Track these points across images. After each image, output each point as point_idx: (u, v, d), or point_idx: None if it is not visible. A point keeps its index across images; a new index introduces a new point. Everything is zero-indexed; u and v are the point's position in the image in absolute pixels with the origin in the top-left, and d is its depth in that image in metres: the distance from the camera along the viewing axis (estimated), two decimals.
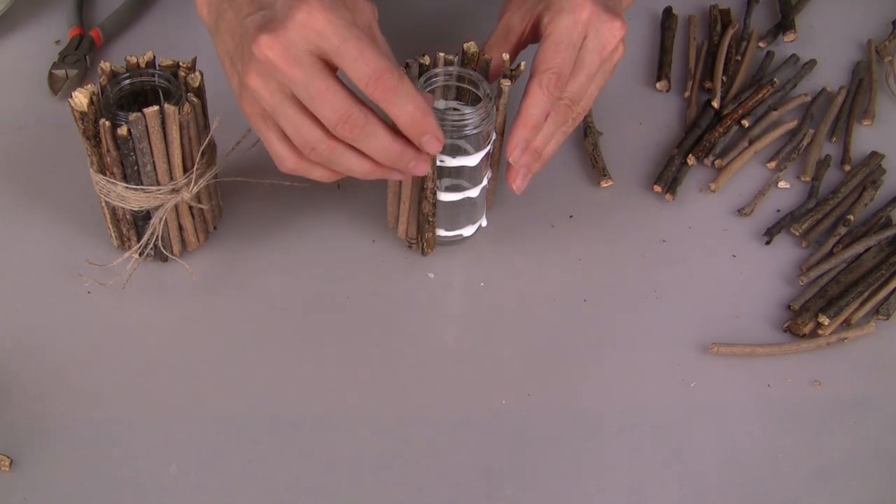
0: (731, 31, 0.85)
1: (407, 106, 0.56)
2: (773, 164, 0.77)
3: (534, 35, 0.66)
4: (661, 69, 0.84)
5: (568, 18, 0.62)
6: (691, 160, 0.76)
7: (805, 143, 0.78)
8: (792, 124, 0.79)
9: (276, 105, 0.56)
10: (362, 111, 0.56)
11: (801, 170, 0.77)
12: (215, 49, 0.60)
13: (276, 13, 0.54)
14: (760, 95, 0.80)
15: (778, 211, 0.74)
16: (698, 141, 0.77)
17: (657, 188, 0.74)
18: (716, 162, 0.76)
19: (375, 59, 0.54)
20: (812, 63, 0.85)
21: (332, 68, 0.56)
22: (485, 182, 0.67)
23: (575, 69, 0.63)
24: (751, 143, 0.77)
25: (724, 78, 0.82)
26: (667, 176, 0.75)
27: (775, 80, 0.81)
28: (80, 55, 0.79)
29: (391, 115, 0.56)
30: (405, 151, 0.58)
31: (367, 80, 0.54)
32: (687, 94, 0.82)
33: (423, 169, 0.60)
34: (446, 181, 0.65)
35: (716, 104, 0.79)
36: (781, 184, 0.76)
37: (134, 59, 0.62)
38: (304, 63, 0.54)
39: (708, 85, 0.82)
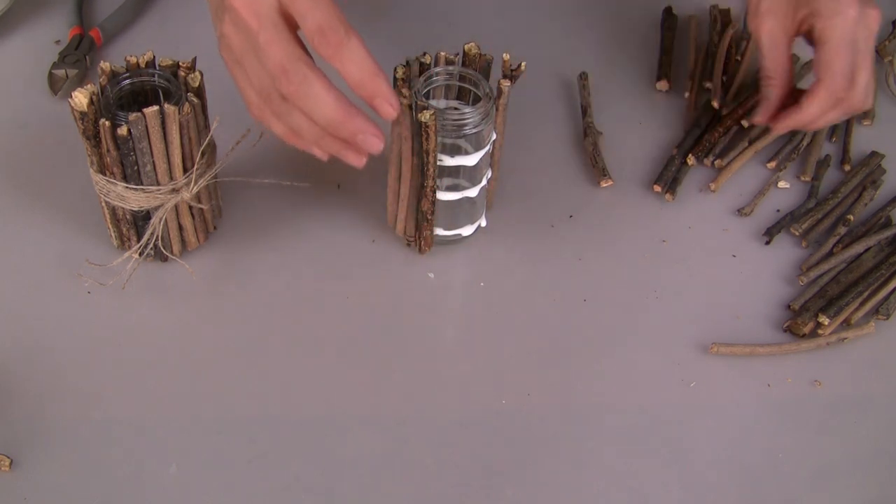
0: (731, 31, 0.85)
1: (352, 64, 0.56)
2: (773, 164, 0.77)
3: (797, 32, 0.71)
4: (661, 69, 0.84)
5: (841, 20, 0.67)
6: (691, 160, 0.76)
7: (805, 143, 0.78)
8: None
9: (242, 52, 0.58)
10: (303, 70, 0.57)
11: (800, 170, 0.77)
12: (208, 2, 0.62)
13: None
14: (760, 95, 0.79)
15: (778, 211, 0.74)
16: (698, 141, 0.77)
17: (657, 188, 0.74)
18: (716, 162, 0.76)
19: (325, 14, 0.56)
20: (812, 63, 0.85)
21: (293, 26, 0.57)
22: (484, 182, 0.67)
23: (860, 61, 0.68)
24: (751, 143, 0.77)
25: (724, 78, 0.82)
26: (667, 176, 0.75)
27: None
28: (80, 55, 0.79)
29: (339, 73, 0.57)
30: (350, 120, 0.58)
31: (312, 33, 0.56)
32: (687, 94, 0.82)
33: (376, 145, 0.59)
34: (446, 180, 0.65)
35: (716, 104, 0.79)
36: (781, 184, 0.76)
37: (134, 59, 0.62)
38: (262, 15, 0.56)
39: (708, 85, 0.82)
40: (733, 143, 0.78)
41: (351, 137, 0.59)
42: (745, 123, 0.78)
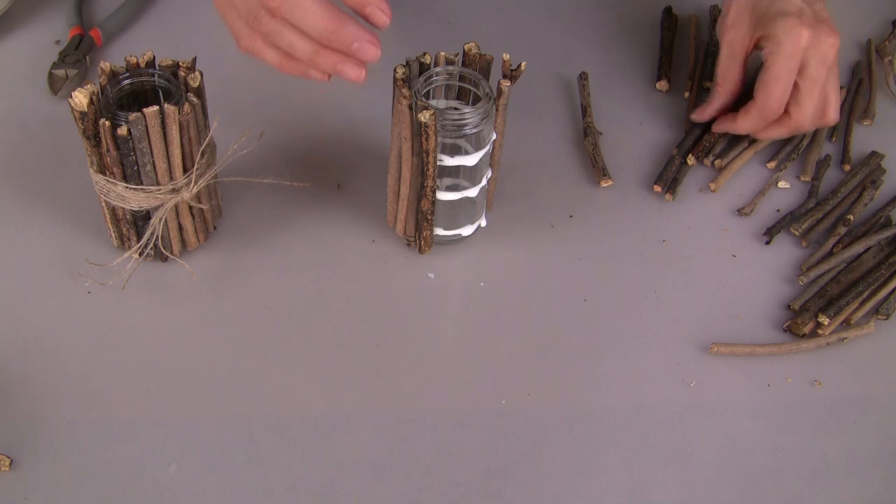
0: None
1: None
2: (772, 164, 0.77)
3: (753, 48, 0.74)
4: (661, 69, 0.84)
5: (788, 48, 0.69)
6: (691, 160, 0.76)
7: (805, 143, 0.78)
8: None
9: None
10: None
11: (800, 170, 0.77)
12: None
13: None
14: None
15: (778, 211, 0.74)
16: (698, 141, 0.77)
17: (657, 188, 0.74)
18: (716, 162, 0.76)
19: None
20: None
21: None
22: (484, 182, 0.67)
23: (806, 86, 0.70)
24: (751, 143, 0.77)
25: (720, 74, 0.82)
26: (667, 176, 0.75)
27: None
28: (80, 55, 0.79)
29: None
30: (342, 28, 0.57)
31: None
32: (687, 94, 0.82)
33: (373, 52, 0.59)
34: (446, 180, 0.65)
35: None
36: (781, 184, 0.76)
37: (134, 59, 0.62)
38: None
39: (708, 85, 0.82)
40: (733, 143, 0.78)
41: (346, 47, 0.58)
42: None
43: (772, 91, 0.71)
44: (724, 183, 0.76)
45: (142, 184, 0.62)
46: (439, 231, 0.69)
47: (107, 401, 0.61)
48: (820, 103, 0.72)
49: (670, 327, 0.67)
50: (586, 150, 0.77)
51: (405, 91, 0.61)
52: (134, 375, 0.62)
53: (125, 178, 0.62)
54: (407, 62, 0.64)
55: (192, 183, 0.63)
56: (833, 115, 0.73)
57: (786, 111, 0.72)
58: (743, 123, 0.74)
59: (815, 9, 0.72)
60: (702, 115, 0.77)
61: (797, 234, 0.72)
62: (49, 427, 0.59)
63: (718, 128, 0.76)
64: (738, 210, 0.74)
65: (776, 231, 0.72)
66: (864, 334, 0.67)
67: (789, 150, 0.78)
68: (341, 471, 0.59)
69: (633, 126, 0.80)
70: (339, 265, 0.69)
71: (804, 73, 0.70)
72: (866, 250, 0.71)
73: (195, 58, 0.64)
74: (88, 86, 0.59)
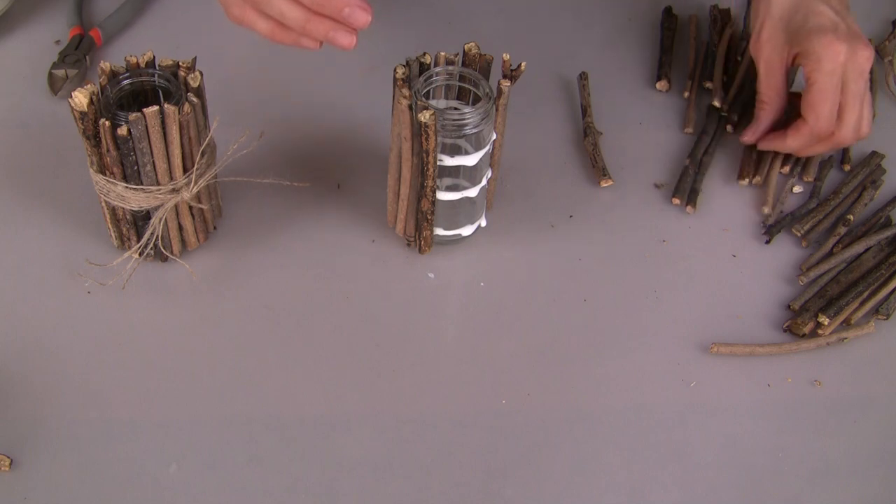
0: (730, 31, 0.85)
1: None
2: (786, 170, 0.76)
3: (791, 64, 0.74)
4: (661, 69, 0.84)
5: (828, 65, 0.70)
6: (744, 183, 0.75)
7: None
8: None
9: None
10: None
11: (803, 170, 0.77)
12: None
13: None
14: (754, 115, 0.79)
15: (780, 211, 0.74)
16: (708, 148, 0.77)
17: (676, 201, 0.74)
18: (755, 179, 0.76)
19: None
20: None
21: None
22: (484, 182, 0.67)
23: (848, 101, 0.71)
24: (776, 153, 0.77)
25: (725, 78, 0.82)
26: (683, 187, 0.74)
27: None
28: (80, 55, 0.79)
29: None
30: None
31: None
32: (687, 94, 0.82)
33: (363, 18, 0.58)
34: (446, 180, 0.65)
35: (717, 104, 0.79)
36: (795, 188, 0.76)
37: (134, 59, 0.62)
38: None
39: (708, 85, 0.82)
40: (761, 156, 0.77)
41: (336, 13, 0.58)
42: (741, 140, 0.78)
43: (820, 109, 0.71)
44: (725, 183, 0.75)
45: (142, 184, 0.62)
46: (439, 231, 0.69)
47: (107, 401, 0.61)
48: (860, 116, 0.72)
49: (670, 327, 0.67)
50: (586, 150, 0.77)
51: (405, 91, 0.61)
52: (134, 375, 0.62)
53: (125, 178, 0.62)
54: (407, 62, 0.64)
55: (192, 183, 0.63)
56: (867, 129, 0.73)
57: None
58: (793, 142, 0.73)
59: (847, 22, 0.72)
60: (753, 136, 0.76)
61: (799, 234, 0.72)
62: (49, 427, 0.59)
63: (766, 146, 0.76)
64: (763, 219, 0.73)
65: (776, 231, 0.72)
66: (864, 334, 0.67)
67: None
68: (341, 471, 0.59)
69: (633, 126, 0.80)
70: (339, 265, 0.69)
71: (846, 88, 0.71)
72: (866, 250, 0.71)
73: (195, 58, 0.64)
74: (88, 86, 0.59)
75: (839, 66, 0.70)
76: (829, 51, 0.70)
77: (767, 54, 0.74)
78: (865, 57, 0.70)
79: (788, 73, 0.75)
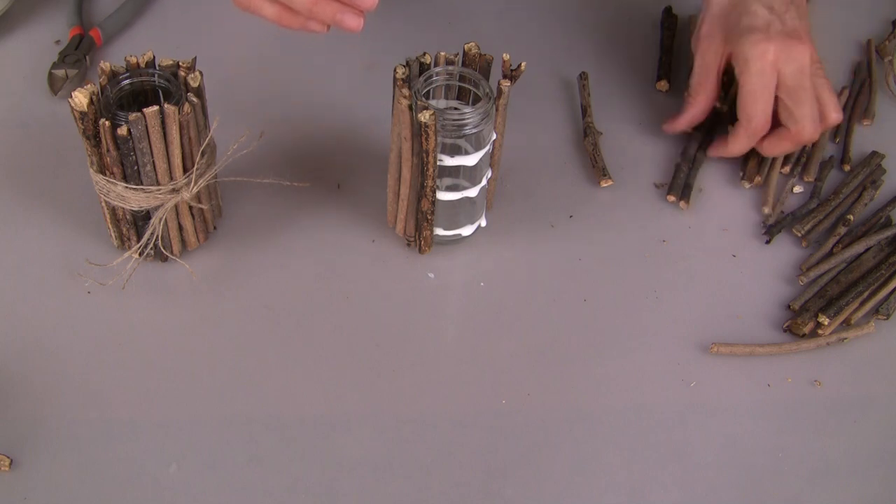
0: None
1: None
2: (787, 170, 0.76)
3: (726, 66, 0.74)
4: (660, 69, 0.84)
5: (755, 66, 0.69)
6: (747, 185, 0.75)
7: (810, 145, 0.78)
8: None
9: None
10: None
11: (803, 170, 0.77)
12: None
13: None
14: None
15: (780, 211, 0.74)
16: (701, 145, 0.77)
17: (671, 198, 0.74)
18: (756, 179, 0.76)
19: None
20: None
21: None
22: (484, 182, 0.67)
23: (790, 97, 0.70)
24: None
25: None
26: (678, 183, 0.74)
27: None
28: (80, 55, 0.79)
29: None
30: None
31: None
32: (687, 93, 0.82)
33: (370, 1, 0.58)
34: (446, 180, 0.65)
35: (717, 104, 0.79)
36: (796, 188, 0.76)
37: (134, 59, 0.62)
38: None
39: None
40: (761, 156, 0.77)
41: None
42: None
43: (751, 110, 0.70)
44: (724, 183, 0.75)
45: (142, 184, 0.62)
46: (439, 231, 0.69)
47: (107, 401, 0.61)
48: (814, 109, 0.71)
49: (670, 327, 0.67)
50: (586, 150, 0.77)
51: (405, 91, 0.61)
52: (134, 375, 0.62)
53: (125, 178, 0.62)
54: (407, 62, 0.64)
55: (192, 183, 0.63)
56: (835, 116, 0.72)
57: (783, 125, 0.72)
58: (734, 146, 0.73)
59: (784, 19, 0.71)
60: (673, 127, 0.76)
61: (799, 234, 0.72)
62: (49, 427, 0.59)
63: (713, 153, 0.76)
64: (763, 219, 0.73)
65: (776, 231, 0.72)
66: (864, 334, 0.67)
67: (797, 152, 0.77)
68: (341, 471, 0.59)
69: (633, 126, 0.80)
70: (339, 265, 0.69)
71: (782, 85, 0.70)
72: (866, 250, 0.71)
73: (195, 58, 0.64)
74: (88, 86, 0.59)
75: (768, 66, 0.69)
76: (756, 51, 0.69)
77: (703, 51, 0.74)
78: (800, 51, 0.69)
79: (722, 73, 0.74)
